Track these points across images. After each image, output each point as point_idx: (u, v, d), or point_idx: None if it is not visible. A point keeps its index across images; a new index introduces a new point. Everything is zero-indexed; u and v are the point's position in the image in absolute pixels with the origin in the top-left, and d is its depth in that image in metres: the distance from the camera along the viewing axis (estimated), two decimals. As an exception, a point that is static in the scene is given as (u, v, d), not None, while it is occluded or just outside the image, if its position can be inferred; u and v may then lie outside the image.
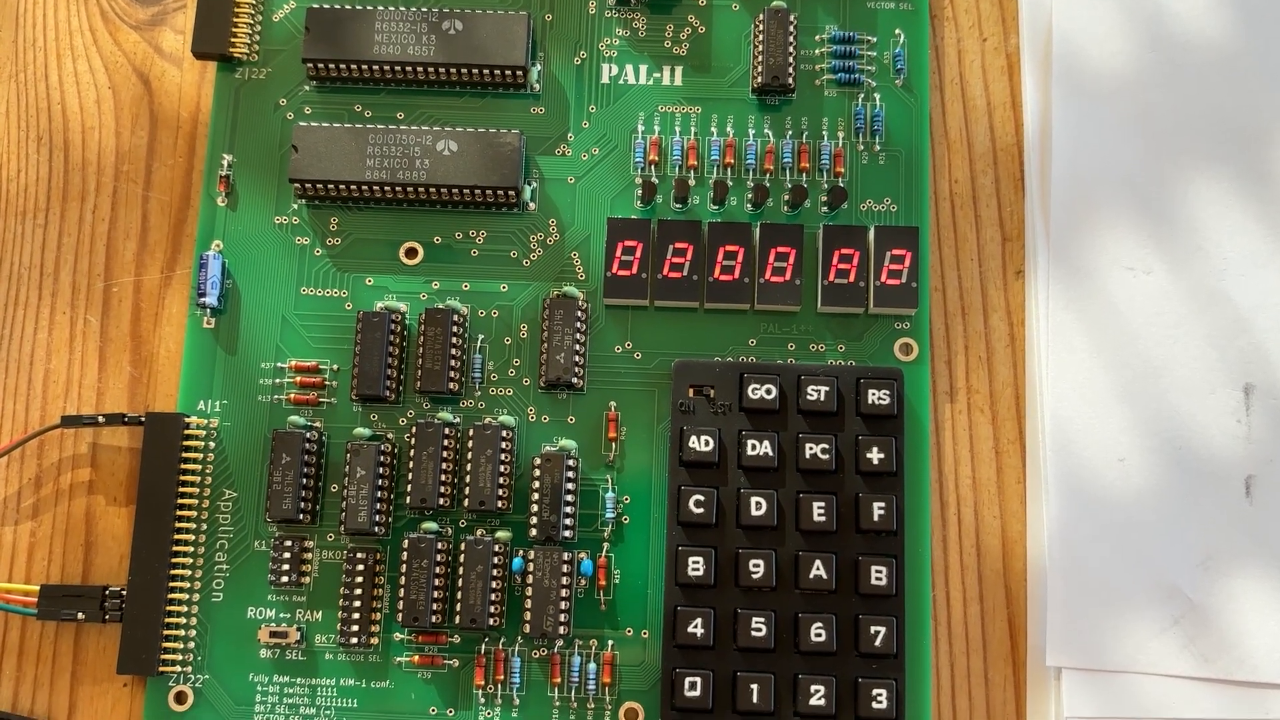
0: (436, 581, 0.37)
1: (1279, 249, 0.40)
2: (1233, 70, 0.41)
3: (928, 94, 0.41)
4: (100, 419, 0.39)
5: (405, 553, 0.37)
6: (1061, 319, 0.40)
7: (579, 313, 0.39)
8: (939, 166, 0.41)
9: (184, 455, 0.39)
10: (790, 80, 0.40)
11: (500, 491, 0.38)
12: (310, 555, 0.39)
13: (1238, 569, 0.38)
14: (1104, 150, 0.41)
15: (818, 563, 0.37)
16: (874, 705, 0.36)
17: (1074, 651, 0.38)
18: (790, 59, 0.40)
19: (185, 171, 0.42)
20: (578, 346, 0.39)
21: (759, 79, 0.40)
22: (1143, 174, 0.41)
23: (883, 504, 0.37)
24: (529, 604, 0.37)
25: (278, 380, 0.40)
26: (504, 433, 0.38)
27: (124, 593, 0.38)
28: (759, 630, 0.37)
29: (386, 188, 0.40)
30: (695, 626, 0.37)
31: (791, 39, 0.40)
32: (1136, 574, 0.38)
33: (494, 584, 0.37)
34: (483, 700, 0.37)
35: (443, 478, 0.38)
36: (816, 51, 0.41)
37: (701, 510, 0.37)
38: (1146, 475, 0.39)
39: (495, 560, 0.37)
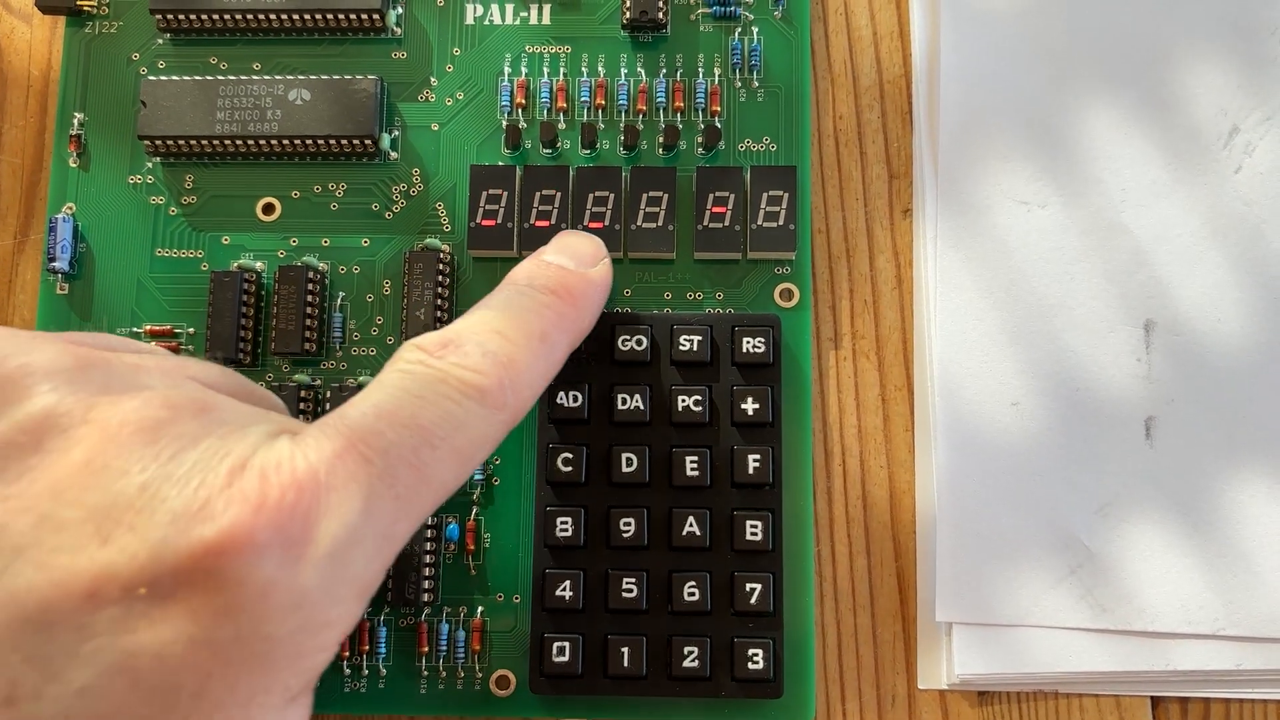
0: (294, 550, 0.36)
1: (1181, 178, 0.38)
2: (1131, -10, 0.39)
3: (809, 26, 0.39)
4: (-51, 392, 0.38)
5: (262, 521, 0.36)
6: (950, 258, 0.38)
7: (441, 265, 0.37)
8: (822, 103, 0.39)
9: (37, 427, 0.37)
10: (661, 15, 0.38)
11: (361, 455, 0.36)
12: (169, 527, 0.37)
13: (1138, 515, 0.36)
14: (995, 78, 0.39)
15: (691, 519, 0.35)
16: (750, 665, 0.35)
17: (965, 606, 0.36)
18: (662, -8, 0.38)
19: (37, 132, 0.40)
20: (440, 301, 0.37)
21: (629, 14, 0.38)
22: (1037, 103, 0.39)
23: (758, 456, 0.35)
24: (391, 572, 0.35)
25: (133, 346, 0.38)
26: (364, 393, 0.36)
27: (-24, 571, 0.36)
28: (629, 591, 0.35)
29: (239, 141, 0.38)
30: (564, 589, 0.35)
31: (663, -29, 0.38)
32: (1031, 523, 0.36)
33: (355, 551, 0.36)
34: (348, 671, 0.36)
35: (300, 442, 0.36)
36: (691, -16, 0.39)
37: (570, 469, 0.36)
38: (1041, 419, 0.37)
39: (356, 526, 0.36)
